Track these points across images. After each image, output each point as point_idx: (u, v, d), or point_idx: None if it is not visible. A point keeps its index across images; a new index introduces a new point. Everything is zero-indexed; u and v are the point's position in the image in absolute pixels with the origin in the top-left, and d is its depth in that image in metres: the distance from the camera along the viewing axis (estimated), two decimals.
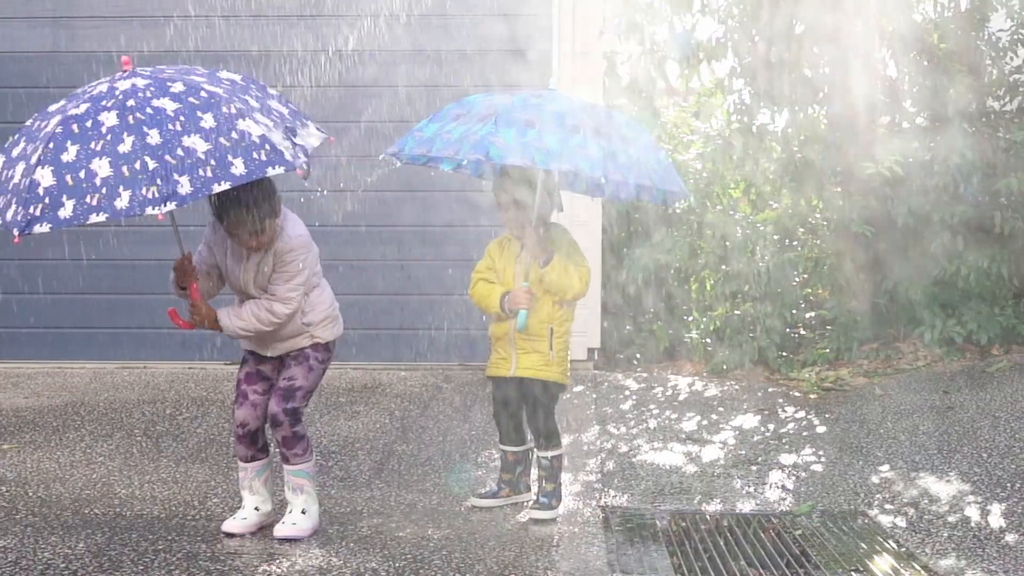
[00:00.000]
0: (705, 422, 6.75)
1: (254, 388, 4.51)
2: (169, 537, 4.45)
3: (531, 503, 4.93)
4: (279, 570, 4.10)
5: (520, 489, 5.05)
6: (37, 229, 3.72)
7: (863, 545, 4.68)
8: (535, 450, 4.97)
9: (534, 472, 5.03)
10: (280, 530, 4.47)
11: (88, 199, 3.71)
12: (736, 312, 8.77)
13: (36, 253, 8.09)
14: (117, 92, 3.94)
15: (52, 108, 4.05)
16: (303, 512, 4.52)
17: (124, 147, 3.78)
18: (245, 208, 4.21)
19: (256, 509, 4.54)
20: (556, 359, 4.82)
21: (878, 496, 5.32)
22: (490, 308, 4.82)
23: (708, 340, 8.89)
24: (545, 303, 4.77)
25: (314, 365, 4.52)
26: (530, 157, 4.26)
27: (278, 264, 4.36)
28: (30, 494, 5.06)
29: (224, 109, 3.95)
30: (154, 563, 4.13)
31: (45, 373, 7.80)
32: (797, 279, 9.11)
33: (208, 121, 3.90)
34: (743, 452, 6.10)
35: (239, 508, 4.60)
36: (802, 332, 9.07)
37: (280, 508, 4.67)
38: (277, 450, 4.58)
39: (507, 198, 4.75)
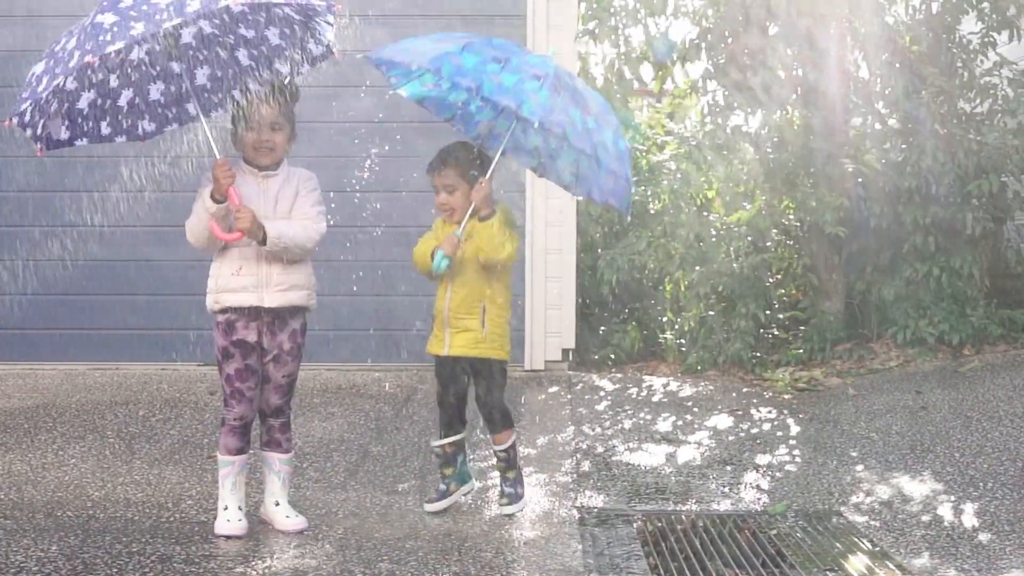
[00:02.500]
0: (680, 422, 6.77)
1: (248, 385, 4.51)
2: (143, 539, 4.42)
3: (499, 499, 4.94)
4: (255, 572, 4.08)
5: (465, 480, 5.00)
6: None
7: (838, 544, 4.69)
8: (491, 443, 4.95)
9: (489, 463, 5.05)
10: (294, 523, 4.58)
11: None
12: (710, 313, 8.81)
13: (5, 254, 8.04)
14: None
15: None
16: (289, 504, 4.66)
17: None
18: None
19: (239, 508, 4.53)
20: (489, 335, 4.79)
21: (852, 496, 5.35)
22: (423, 259, 4.78)
23: (682, 341, 8.92)
24: (476, 276, 4.76)
25: (301, 357, 4.65)
26: (478, 83, 4.36)
27: (303, 190, 4.55)
28: (1, 496, 5.01)
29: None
30: (128, 566, 4.10)
31: (15, 375, 7.73)
32: (770, 280, 9.16)
33: None
34: (718, 452, 6.12)
35: (221, 511, 4.52)
36: (776, 333, 9.11)
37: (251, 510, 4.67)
38: (265, 442, 4.65)
39: (442, 181, 4.78)
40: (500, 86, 4.34)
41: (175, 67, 4.42)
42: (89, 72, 4.18)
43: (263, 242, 4.37)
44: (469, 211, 4.71)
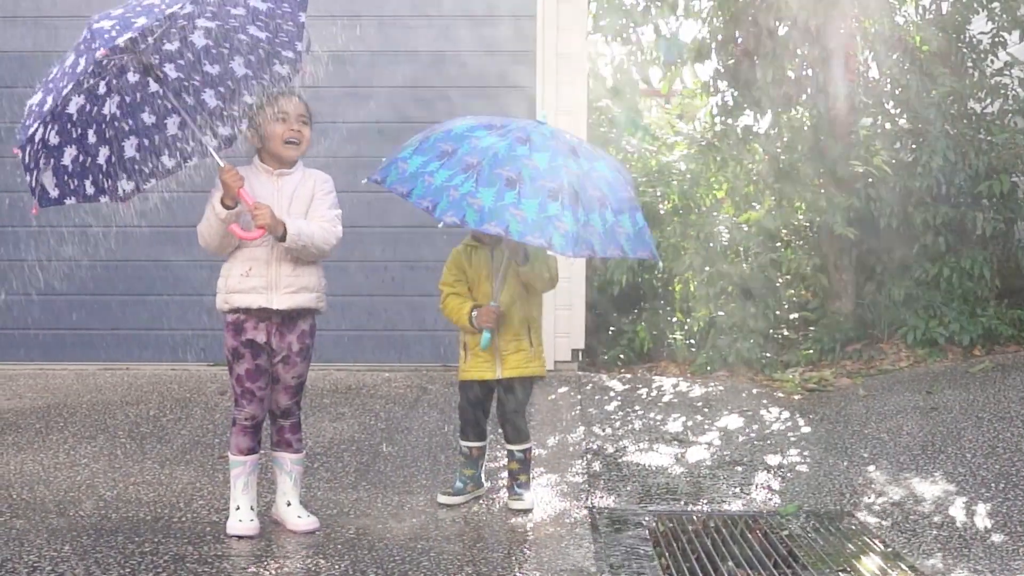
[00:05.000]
0: (690, 423, 6.76)
1: (258, 385, 4.52)
2: (155, 539, 4.43)
3: (509, 495, 5.00)
4: (267, 572, 4.08)
5: (481, 483, 5.15)
6: None
7: (850, 545, 4.68)
8: (507, 444, 5.04)
9: (503, 463, 5.14)
10: (305, 523, 4.59)
11: None
12: (720, 313, 8.79)
13: (15, 254, 8.05)
14: None
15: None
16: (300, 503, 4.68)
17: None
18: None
19: (251, 508, 4.54)
20: (536, 352, 4.98)
21: (864, 496, 5.34)
22: (460, 323, 4.91)
23: (692, 341, 8.90)
24: (519, 306, 4.89)
25: (310, 358, 4.65)
26: (504, 226, 4.23)
27: (319, 192, 4.57)
28: (14, 496, 5.02)
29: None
30: (141, 566, 4.11)
31: (27, 375, 7.75)
32: (780, 280, 9.14)
33: None
34: (728, 453, 6.11)
35: (233, 511, 4.54)
36: (785, 333, 9.10)
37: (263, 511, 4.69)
38: (276, 442, 4.67)
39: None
40: (525, 223, 4.22)
41: (146, 119, 4.42)
42: (69, 125, 4.18)
43: (282, 238, 4.37)
44: (502, 270, 4.78)
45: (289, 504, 4.63)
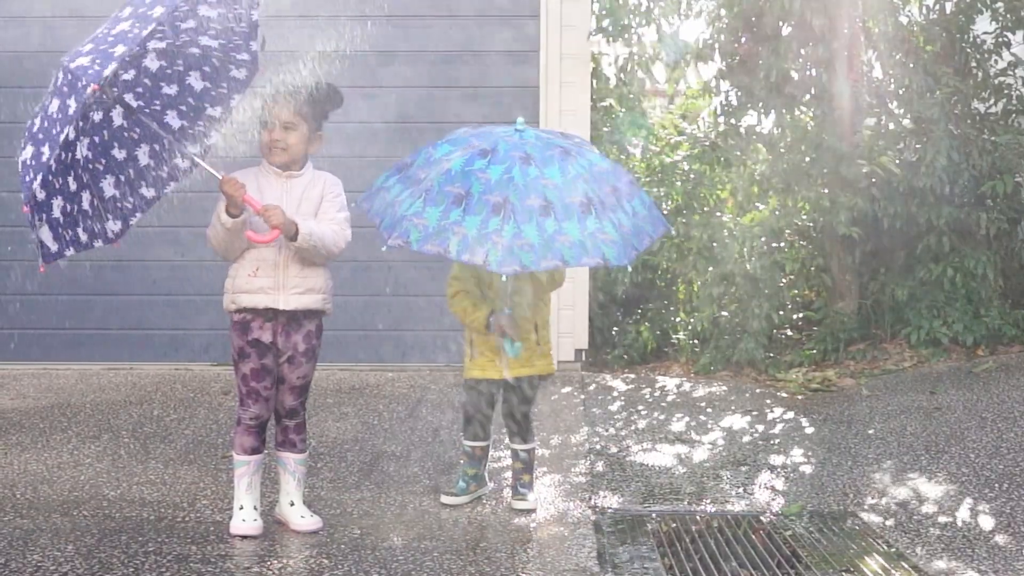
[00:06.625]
0: (694, 423, 6.76)
1: (264, 385, 4.52)
2: (159, 539, 4.43)
3: (512, 495, 5.01)
4: (270, 572, 4.09)
5: (484, 483, 5.15)
6: None
7: (853, 546, 4.68)
8: (511, 444, 5.05)
9: (505, 463, 5.13)
10: (308, 523, 4.60)
11: None
12: (723, 313, 8.79)
13: (19, 254, 8.06)
14: None
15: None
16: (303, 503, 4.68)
17: None
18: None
19: (254, 508, 4.54)
20: (543, 350, 4.97)
21: (867, 497, 5.34)
22: (474, 326, 4.86)
23: (695, 341, 8.90)
24: (527, 306, 4.87)
25: (316, 359, 4.65)
26: (559, 257, 4.21)
27: (328, 194, 4.58)
28: (18, 496, 5.03)
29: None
30: (144, 565, 4.11)
31: (31, 374, 7.76)
32: (784, 280, 9.13)
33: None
34: (732, 453, 6.11)
35: (237, 511, 4.53)
36: (789, 333, 9.09)
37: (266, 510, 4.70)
38: (280, 442, 4.66)
39: None
40: (573, 245, 4.21)
41: (117, 154, 4.38)
42: (50, 177, 4.06)
43: (294, 238, 4.36)
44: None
45: (292, 504, 4.63)
